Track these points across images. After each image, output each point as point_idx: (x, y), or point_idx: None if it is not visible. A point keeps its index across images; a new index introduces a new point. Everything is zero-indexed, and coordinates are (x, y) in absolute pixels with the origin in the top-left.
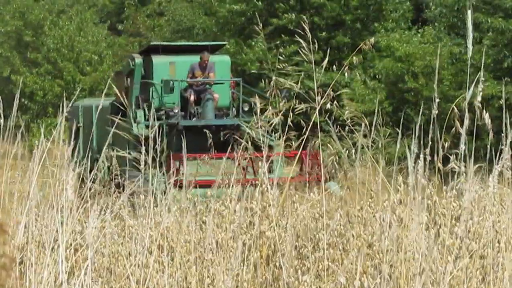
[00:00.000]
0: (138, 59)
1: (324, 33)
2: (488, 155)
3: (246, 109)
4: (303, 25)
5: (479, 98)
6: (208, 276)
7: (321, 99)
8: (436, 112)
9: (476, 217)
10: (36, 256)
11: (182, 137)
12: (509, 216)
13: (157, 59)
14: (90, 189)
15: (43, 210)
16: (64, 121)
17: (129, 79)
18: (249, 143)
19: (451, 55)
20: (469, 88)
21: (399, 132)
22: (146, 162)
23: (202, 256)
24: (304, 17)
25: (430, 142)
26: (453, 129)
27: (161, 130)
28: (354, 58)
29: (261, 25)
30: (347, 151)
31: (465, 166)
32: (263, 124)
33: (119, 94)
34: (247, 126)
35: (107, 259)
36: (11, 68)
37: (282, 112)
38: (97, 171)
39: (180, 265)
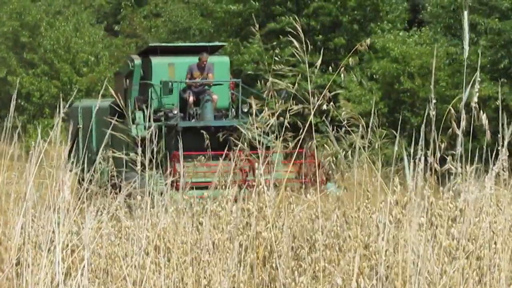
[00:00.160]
0: (137, 60)
1: (320, 36)
2: (484, 156)
3: (245, 110)
4: (295, 24)
5: (475, 99)
6: (204, 277)
7: (317, 100)
8: (434, 113)
9: (473, 218)
10: (32, 257)
11: (178, 138)
12: (506, 217)
13: (156, 60)
14: (87, 190)
15: (40, 211)
16: (62, 122)
17: (128, 80)
18: (245, 144)
19: (447, 55)
20: (465, 89)
21: (396, 133)
22: (142, 163)
23: (199, 257)
24: (300, 20)
25: (425, 143)
26: (450, 130)
27: (159, 132)
28: (350, 59)
29: (257, 26)
30: (344, 152)
31: (461, 167)
32: (259, 125)
33: (115, 96)
34: (243, 127)
35: (104, 260)
36: (7, 69)
37: (278, 113)
38: (94, 172)
39: (176, 266)
